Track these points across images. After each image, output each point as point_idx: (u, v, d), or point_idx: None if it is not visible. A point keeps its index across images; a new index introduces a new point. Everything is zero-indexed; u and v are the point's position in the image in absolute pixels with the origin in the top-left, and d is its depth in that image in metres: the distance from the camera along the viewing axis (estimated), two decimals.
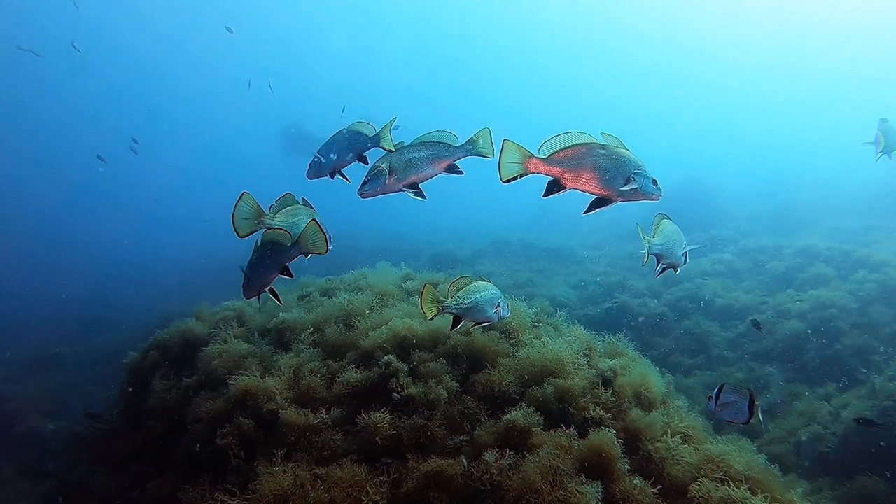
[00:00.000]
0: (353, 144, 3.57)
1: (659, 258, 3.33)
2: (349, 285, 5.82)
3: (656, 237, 3.30)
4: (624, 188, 2.59)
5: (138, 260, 22.18)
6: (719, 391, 3.66)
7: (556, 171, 2.65)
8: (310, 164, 3.74)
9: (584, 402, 3.77)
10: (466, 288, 3.49)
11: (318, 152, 3.68)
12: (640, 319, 9.85)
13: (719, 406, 3.64)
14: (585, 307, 10.92)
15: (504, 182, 2.69)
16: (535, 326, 4.83)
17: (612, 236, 17.38)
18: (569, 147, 2.63)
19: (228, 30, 20.13)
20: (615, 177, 2.60)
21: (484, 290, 3.51)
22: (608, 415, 3.71)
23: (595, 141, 2.62)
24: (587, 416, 3.69)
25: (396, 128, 3.65)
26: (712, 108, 49.77)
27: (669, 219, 3.46)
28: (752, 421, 3.62)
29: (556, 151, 2.63)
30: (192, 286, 14.59)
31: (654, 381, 4.08)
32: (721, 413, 3.66)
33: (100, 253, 23.88)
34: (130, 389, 5.38)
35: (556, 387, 3.81)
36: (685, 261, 3.45)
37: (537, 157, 2.65)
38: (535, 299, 4.92)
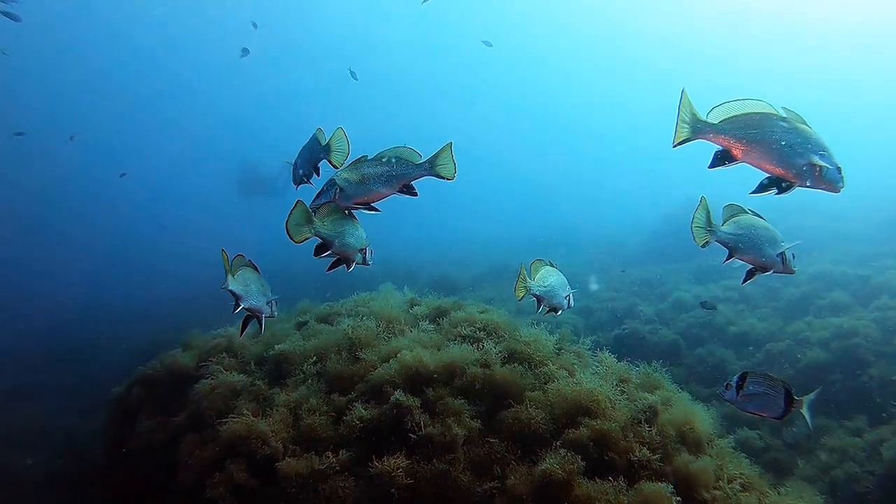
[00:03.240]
0: (312, 154, 3.34)
1: (732, 250, 2.86)
2: (350, 311, 5.36)
3: (726, 226, 2.85)
4: (806, 168, 2.20)
5: (122, 284, 21.44)
6: (742, 379, 3.14)
7: (725, 140, 2.28)
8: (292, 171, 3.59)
9: (625, 444, 3.32)
10: (543, 271, 3.68)
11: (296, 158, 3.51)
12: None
13: (742, 396, 3.13)
14: (594, 334, 10.39)
15: (675, 146, 2.29)
16: (557, 354, 4.40)
17: (616, 260, 17.00)
18: (743, 114, 2.24)
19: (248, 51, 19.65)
20: (796, 154, 2.19)
21: (556, 275, 3.70)
22: (655, 456, 3.26)
23: (774, 111, 2.23)
24: (632, 458, 3.24)
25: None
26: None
27: (753, 214, 2.97)
28: (787, 417, 3.14)
29: (727, 118, 2.24)
30: (179, 310, 14.02)
31: (700, 417, 3.64)
32: (744, 404, 3.16)
33: (83, 278, 23.13)
34: (114, 428, 4.91)
35: (591, 429, 3.36)
36: (784, 265, 2.89)
37: (704, 122, 2.28)
38: (542, 325, 4.59)
